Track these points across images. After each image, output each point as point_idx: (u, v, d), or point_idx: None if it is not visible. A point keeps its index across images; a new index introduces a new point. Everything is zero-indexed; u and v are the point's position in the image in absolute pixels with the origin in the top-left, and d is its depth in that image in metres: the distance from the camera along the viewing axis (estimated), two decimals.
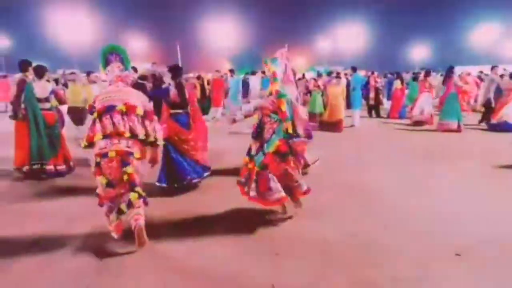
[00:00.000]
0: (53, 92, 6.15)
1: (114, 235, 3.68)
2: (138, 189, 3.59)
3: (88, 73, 10.29)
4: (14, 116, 6.03)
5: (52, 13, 34.81)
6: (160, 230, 4.05)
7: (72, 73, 10.75)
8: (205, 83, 13.58)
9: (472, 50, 39.40)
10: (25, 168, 5.96)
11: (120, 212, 3.59)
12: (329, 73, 12.65)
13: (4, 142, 6.73)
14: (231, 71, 14.09)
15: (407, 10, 42.22)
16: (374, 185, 5.63)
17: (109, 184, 3.53)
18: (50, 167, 6.01)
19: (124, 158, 3.52)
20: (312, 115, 11.67)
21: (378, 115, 14.21)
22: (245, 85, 12.93)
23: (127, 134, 3.52)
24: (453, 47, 39.25)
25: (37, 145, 5.95)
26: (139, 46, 42.21)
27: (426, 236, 3.88)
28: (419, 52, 45.29)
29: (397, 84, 13.71)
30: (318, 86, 11.61)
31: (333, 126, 10.80)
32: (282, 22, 43.48)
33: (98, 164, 3.54)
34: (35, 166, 5.95)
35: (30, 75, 6.11)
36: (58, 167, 6.10)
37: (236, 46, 41.34)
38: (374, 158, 7.49)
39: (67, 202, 5.00)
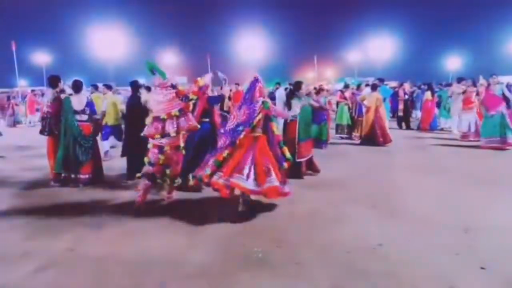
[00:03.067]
0: (88, 104, 6.49)
1: (137, 201, 5.17)
2: (168, 172, 5.22)
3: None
4: (49, 132, 6.38)
5: (89, 30, 36.37)
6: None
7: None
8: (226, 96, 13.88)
9: (508, 59, 37.95)
10: (61, 177, 6.31)
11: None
12: (358, 85, 12.53)
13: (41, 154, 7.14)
14: None
15: (439, 20, 41.45)
16: (400, 197, 5.59)
17: (150, 163, 5.25)
18: (80, 176, 6.33)
19: (160, 149, 5.16)
20: (340, 127, 11.72)
21: (408, 127, 14.00)
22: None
23: (157, 136, 5.12)
24: (488, 57, 37.94)
25: (65, 156, 6.23)
26: (171, 61, 43.35)
27: (451, 249, 3.82)
28: (452, 63, 44.09)
29: (427, 95, 13.47)
30: (345, 98, 11.59)
31: (376, 138, 10.24)
32: (313, 33, 43.68)
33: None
34: (64, 175, 6.29)
35: (60, 89, 6.46)
36: (88, 176, 6.40)
37: (266, 58, 41.77)
38: (401, 170, 7.41)
39: (94, 208, 5.26)
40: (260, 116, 4.91)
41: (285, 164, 5.22)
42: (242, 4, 41.45)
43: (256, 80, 5.08)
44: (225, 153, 4.84)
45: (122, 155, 6.79)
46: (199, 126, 5.41)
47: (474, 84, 11.19)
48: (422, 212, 4.92)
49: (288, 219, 4.74)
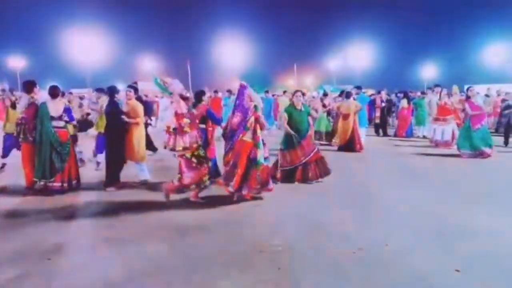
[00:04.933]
0: (66, 110, 6.37)
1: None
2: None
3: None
4: (24, 139, 6.22)
5: (66, 34, 35.74)
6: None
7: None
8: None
9: (482, 69, 39.25)
10: (37, 185, 6.15)
11: None
12: (341, 92, 12.74)
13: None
14: (229, 91, 14.34)
15: (416, 29, 42.57)
16: (378, 202, 5.71)
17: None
18: (56, 184, 6.18)
19: None
20: (318, 133, 11.86)
21: (385, 134, 14.30)
22: None
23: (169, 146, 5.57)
24: (462, 66, 39.14)
25: (42, 163, 6.09)
26: (150, 67, 43.04)
27: (427, 252, 3.94)
28: (428, 71, 45.32)
29: (403, 103, 13.81)
30: (324, 105, 11.74)
31: (354, 145, 10.42)
32: (293, 42, 44.19)
33: None
34: (40, 183, 6.13)
35: (35, 95, 6.30)
36: (64, 184, 6.25)
37: (246, 66, 42.00)
38: (379, 176, 7.56)
39: (76, 217, 5.16)
40: (252, 119, 5.48)
41: (260, 166, 5.55)
42: (222, 11, 41.59)
43: (244, 88, 5.62)
44: (229, 155, 5.59)
45: (109, 161, 6.62)
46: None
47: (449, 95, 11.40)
48: (400, 217, 5.04)
49: (270, 225, 4.78)
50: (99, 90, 8.58)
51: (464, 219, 4.91)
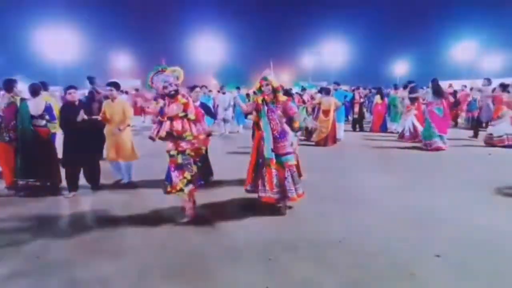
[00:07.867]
0: (47, 109, 6.25)
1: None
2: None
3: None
4: (2, 139, 6.09)
5: (37, 31, 34.65)
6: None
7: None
8: None
9: (451, 65, 40.61)
10: (18, 184, 6.04)
11: None
12: (320, 90, 12.94)
13: None
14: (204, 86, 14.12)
15: (389, 26, 43.50)
16: (359, 194, 5.92)
17: None
18: (38, 183, 6.08)
19: None
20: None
21: (361, 129, 14.64)
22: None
23: None
24: (433, 62, 40.34)
25: (23, 162, 6.00)
26: (124, 64, 42.38)
27: (407, 240, 4.15)
28: (400, 67, 46.52)
29: (377, 99, 14.18)
30: (303, 101, 11.94)
31: (330, 139, 10.89)
32: (267, 38, 44.31)
33: None
34: (21, 182, 6.03)
35: (15, 94, 6.14)
36: (47, 183, 6.15)
37: (222, 62, 41.90)
38: (359, 169, 7.80)
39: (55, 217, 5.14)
40: (254, 113, 5.23)
41: (269, 161, 4.96)
42: (197, 8, 41.29)
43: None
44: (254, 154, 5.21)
45: (64, 164, 6.19)
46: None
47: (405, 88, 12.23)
48: (380, 207, 5.27)
49: (257, 220, 4.88)
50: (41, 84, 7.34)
51: (441, 208, 5.19)
